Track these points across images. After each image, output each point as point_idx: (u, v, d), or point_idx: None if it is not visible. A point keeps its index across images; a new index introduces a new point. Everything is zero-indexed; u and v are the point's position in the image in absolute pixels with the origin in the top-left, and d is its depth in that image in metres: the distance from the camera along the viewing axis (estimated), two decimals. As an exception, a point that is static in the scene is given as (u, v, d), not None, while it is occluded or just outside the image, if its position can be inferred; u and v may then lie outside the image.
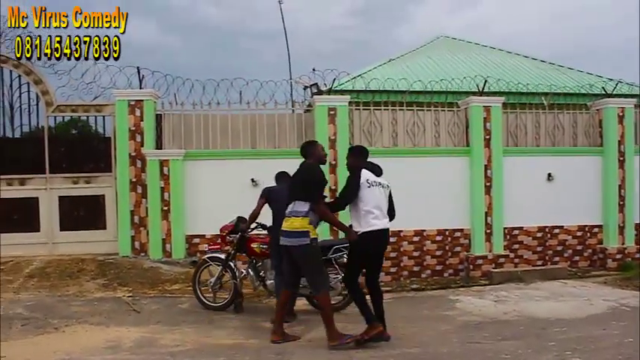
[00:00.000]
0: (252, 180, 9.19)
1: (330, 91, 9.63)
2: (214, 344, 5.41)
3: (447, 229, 9.67)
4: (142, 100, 9.04)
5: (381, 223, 5.38)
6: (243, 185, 9.16)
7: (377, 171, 5.61)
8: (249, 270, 6.91)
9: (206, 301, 7.10)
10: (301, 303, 6.88)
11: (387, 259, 9.42)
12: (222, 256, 7.00)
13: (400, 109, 9.79)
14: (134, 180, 9.00)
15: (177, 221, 9.00)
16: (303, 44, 49.96)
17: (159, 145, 9.28)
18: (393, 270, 9.53)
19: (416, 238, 9.62)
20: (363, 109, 9.76)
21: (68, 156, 9.38)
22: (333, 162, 9.27)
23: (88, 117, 9.55)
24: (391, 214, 5.66)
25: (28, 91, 9.25)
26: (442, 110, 9.88)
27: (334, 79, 9.63)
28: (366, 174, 5.46)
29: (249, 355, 5.06)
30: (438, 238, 9.66)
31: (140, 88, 9.17)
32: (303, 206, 5.31)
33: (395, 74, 11.65)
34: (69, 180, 9.27)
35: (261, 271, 7.00)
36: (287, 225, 5.33)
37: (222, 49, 53.83)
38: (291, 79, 10.19)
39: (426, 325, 6.25)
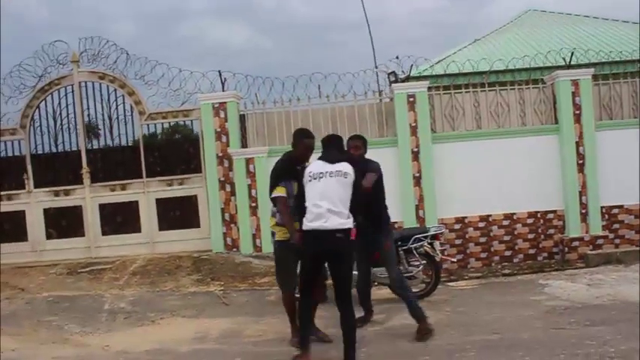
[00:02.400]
0: (336, 172, 9.31)
1: (408, 78, 9.55)
2: (282, 331, 5.61)
3: (538, 212, 9.29)
4: (225, 102, 9.41)
5: (317, 223, 4.58)
6: (326, 178, 9.30)
7: (332, 157, 4.81)
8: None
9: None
10: (385, 292, 6.91)
11: (476, 244, 9.29)
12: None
13: (482, 91, 9.52)
14: (222, 179, 9.40)
15: (265, 216, 9.30)
16: (392, 31, 49.43)
17: (244, 144, 9.63)
18: (483, 255, 9.31)
19: (506, 222, 9.32)
20: (444, 94, 9.59)
21: (162, 160, 9.97)
22: (415, 149, 9.19)
23: (177, 122, 10.11)
24: (354, 207, 4.70)
25: (124, 103, 9.92)
26: (527, 88, 9.49)
27: (411, 65, 9.54)
28: (311, 167, 4.85)
29: (327, 345, 5.18)
30: (530, 220, 9.30)
31: (223, 91, 9.58)
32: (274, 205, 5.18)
33: (480, 54, 11.34)
34: (164, 183, 9.83)
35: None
36: None
37: (312, 44, 54.51)
38: (376, 67, 10.21)
39: (509, 310, 6.12)
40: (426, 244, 6.91)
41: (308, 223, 4.65)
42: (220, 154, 9.41)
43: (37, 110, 10.06)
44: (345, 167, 4.71)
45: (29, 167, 10.08)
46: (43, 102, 10.02)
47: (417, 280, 6.93)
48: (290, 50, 55.17)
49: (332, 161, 4.74)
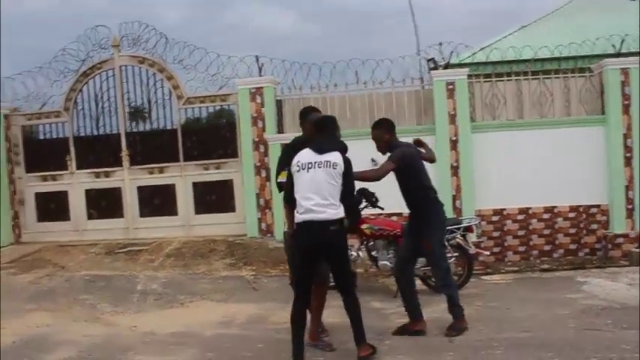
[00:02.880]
0: (372, 160, 9.14)
1: (448, 66, 9.32)
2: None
3: (580, 205, 8.95)
4: (261, 87, 9.40)
5: (308, 215, 4.42)
6: (364, 166, 9.17)
7: (321, 146, 4.56)
8: (359, 252, 6.97)
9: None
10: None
11: (514, 237, 9.05)
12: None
13: (525, 79, 9.20)
14: (258, 164, 9.42)
15: (299, 203, 9.28)
16: (440, 19, 48.44)
17: (280, 130, 9.60)
18: (521, 249, 9.05)
19: (546, 215, 9.02)
20: (485, 81, 9.31)
21: (199, 144, 10.05)
22: (454, 138, 8.98)
23: (217, 107, 10.16)
24: (345, 199, 4.53)
25: (162, 87, 10.02)
26: (572, 77, 9.12)
27: (451, 52, 9.31)
28: (299, 155, 4.59)
29: (350, 334, 5.11)
30: (571, 214, 8.97)
31: (260, 76, 9.57)
32: None
33: (525, 42, 10.92)
34: (200, 167, 9.92)
35: (373, 251, 7.03)
36: None
37: (358, 31, 53.92)
38: (418, 54, 10.02)
39: (543, 308, 5.93)
40: (458, 236, 6.75)
41: (299, 216, 4.49)
42: (256, 140, 9.42)
43: (79, 94, 10.30)
44: (335, 157, 4.51)
45: (72, 149, 10.34)
46: (86, 85, 10.23)
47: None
48: (336, 37, 54.80)
49: (321, 151, 4.53)
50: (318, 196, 4.42)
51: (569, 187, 8.85)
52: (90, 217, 10.38)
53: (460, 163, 8.97)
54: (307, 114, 5.18)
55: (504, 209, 9.05)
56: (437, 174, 8.86)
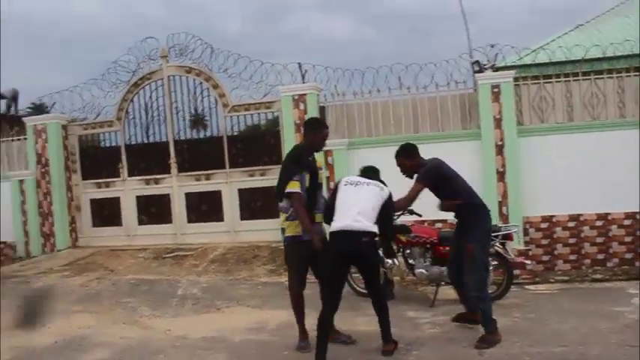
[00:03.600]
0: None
1: (493, 68, 9.07)
2: (349, 330, 5.47)
3: (637, 213, 8.46)
4: (305, 94, 9.45)
5: (344, 223, 4.67)
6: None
7: (372, 178, 5.05)
8: (395, 260, 6.85)
9: (358, 288, 7.21)
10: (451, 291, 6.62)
11: (564, 245, 8.67)
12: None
13: (575, 80, 8.83)
14: (301, 171, 9.44)
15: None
16: (499, 19, 47.26)
17: (323, 137, 9.59)
18: (572, 258, 8.64)
19: (599, 223, 8.58)
20: (532, 84, 9.00)
21: (244, 151, 10.19)
22: (500, 142, 8.71)
23: (259, 114, 10.27)
24: (383, 220, 4.83)
25: (209, 96, 10.26)
26: (627, 76, 8.67)
27: (496, 54, 9.04)
28: (349, 177, 5.09)
29: (378, 343, 5.05)
30: (627, 222, 8.49)
31: (303, 83, 9.62)
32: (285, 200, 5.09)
33: (580, 40, 10.50)
34: (246, 173, 10.07)
35: (410, 259, 6.91)
36: None
37: (414, 34, 53.38)
38: (471, 57, 9.81)
39: (584, 321, 5.63)
40: (497, 244, 6.53)
41: (335, 224, 4.72)
42: (299, 146, 9.45)
43: (131, 103, 10.69)
44: (381, 184, 4.97)
45: (123, 157, 10.74)
46: (137, 95, 10.61)
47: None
48: (393, 41, 54.47)
49: (370, 178, 5.02)
50: (358, 207, 4.71)
51: (623, 193, 8.37)
52: (140, 222, 10.75)
53: (506, 168, 8.69)
54: (323, 126, 5.46)
55: (554, 216, 8.70)
56: (482, 180, 8.69)
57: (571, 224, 8.68)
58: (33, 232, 10.68)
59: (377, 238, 4.86)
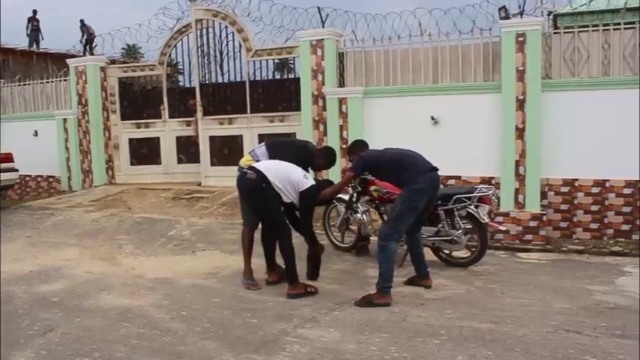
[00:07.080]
0: (432, 118, 8.60)
1: (521, 15, 8.22)
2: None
3: (673, 182, 7.54)
4: (322, 40, 9.13)
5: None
6: (422, 123, 8.65)
7: None
8: (364, 216, 6.62)
9: (335, 241, 7.11)
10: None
11: (586, 212, 7.95)
12: (346, 197, 6.81)
13: (616, 29, 7.81)
14: (317, 118, 9.27)
15: (354, 160, 9.00)
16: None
17: (342, 84, 9.30)
18: (593, 226, 7.90)
19: (627, 190, 7.72)
20: (565, 33, 8.08)
21: (265, 97, 10.14)
22: (521, 97, 7.98)
23: (280, 59, 10.12)
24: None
25: (233, 40, 10.22)
26: (677, 25, 7.55)
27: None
28: None
29: (333, 301, 5.03)
30: (659, 192, 7.60)
31: (322, 27, 9.29)
32: None
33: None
34: (266, 119, 10.05)
35: (386, 216, 6.63)
36: None
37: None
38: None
39: (542, 297, 5.19)
40: (471, 206, 6.08)
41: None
42: (316, 93, 9.24)
43: (174, 49, 10.95)
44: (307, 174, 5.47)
45: (165, 99, 11.07)
46: (180, 42, 10.84)
47: (459, 245, 6.17)
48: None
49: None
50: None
51: (660, 160, 7.47)
52: (179, 161, 11.18)
53: (527, 124, 7.97)
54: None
55: (576, 180, 7.94)
56: (500, 136, 8.12)
57: (595, 190, 7.89)
58: (74, 168, 11.43)
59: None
